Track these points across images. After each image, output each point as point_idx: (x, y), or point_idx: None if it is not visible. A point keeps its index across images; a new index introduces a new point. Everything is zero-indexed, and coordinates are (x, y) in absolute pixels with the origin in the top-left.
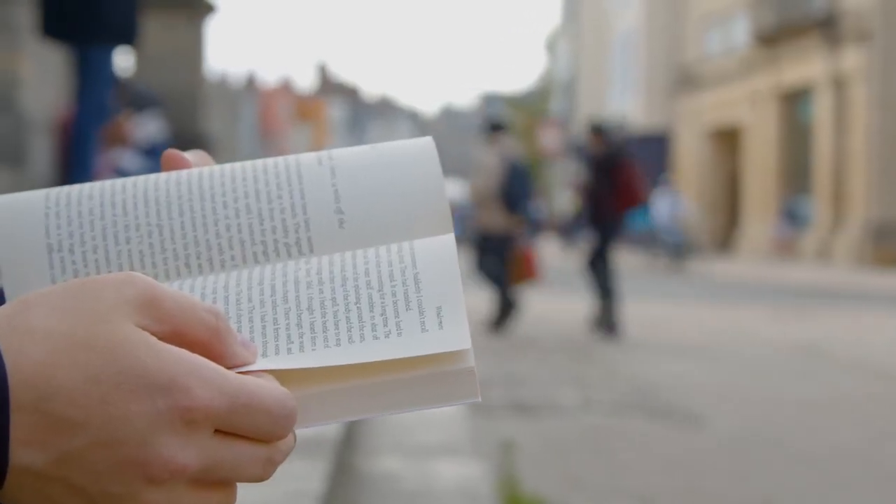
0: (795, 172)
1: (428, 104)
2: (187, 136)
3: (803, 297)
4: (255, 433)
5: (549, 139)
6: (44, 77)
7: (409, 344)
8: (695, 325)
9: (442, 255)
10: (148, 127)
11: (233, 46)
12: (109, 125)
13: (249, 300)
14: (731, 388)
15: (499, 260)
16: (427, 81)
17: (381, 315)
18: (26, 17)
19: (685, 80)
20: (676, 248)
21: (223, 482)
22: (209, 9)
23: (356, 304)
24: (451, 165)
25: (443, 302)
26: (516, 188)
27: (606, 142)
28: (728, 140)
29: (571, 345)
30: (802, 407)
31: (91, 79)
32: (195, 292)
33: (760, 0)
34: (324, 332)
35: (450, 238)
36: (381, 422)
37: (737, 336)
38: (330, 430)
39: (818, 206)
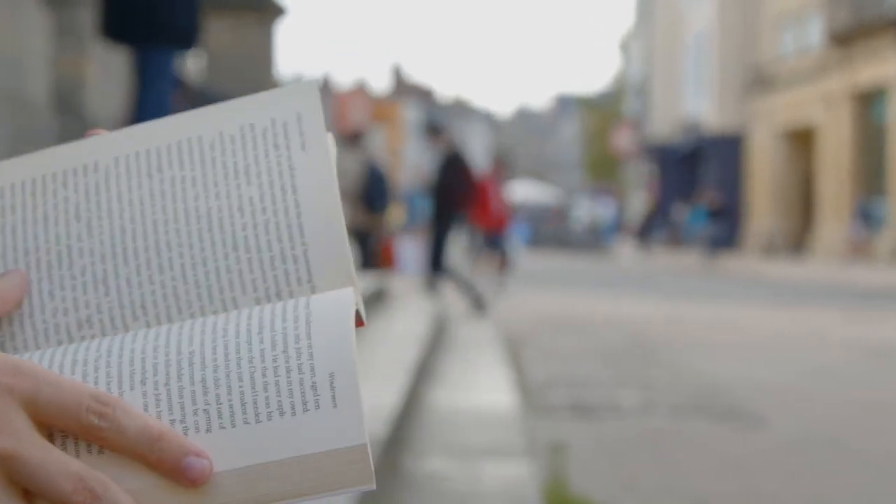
0: (870, 173)
1: (502, 105)
2: None
3: (875, 298)
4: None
5: (623, 140)
6: (108, 79)
7: (302, 430)
8: (764, 327)
9: (338, 316)
10: None
11: (308, 49)
12: None
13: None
14: (795, 389)
15: (361, 252)
16: (501, 83)
17: (276, 389)
18: (91, 19)
19: (759, 81)
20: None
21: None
22: (279, 11)
23: (250, 374)
24: (527, 166)
25: (335, 367)
26: (375, 190)
27: (449, 141)
28: (802, 141)
29: (638, 346)
30: (865, 408)
31: (150, 82)
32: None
33: (835, 0)
34: (217, 405)
35: (348, 296)
36: (432, 421)
37: (806, 338)
38: (377, 429)
39: (893, 207)
